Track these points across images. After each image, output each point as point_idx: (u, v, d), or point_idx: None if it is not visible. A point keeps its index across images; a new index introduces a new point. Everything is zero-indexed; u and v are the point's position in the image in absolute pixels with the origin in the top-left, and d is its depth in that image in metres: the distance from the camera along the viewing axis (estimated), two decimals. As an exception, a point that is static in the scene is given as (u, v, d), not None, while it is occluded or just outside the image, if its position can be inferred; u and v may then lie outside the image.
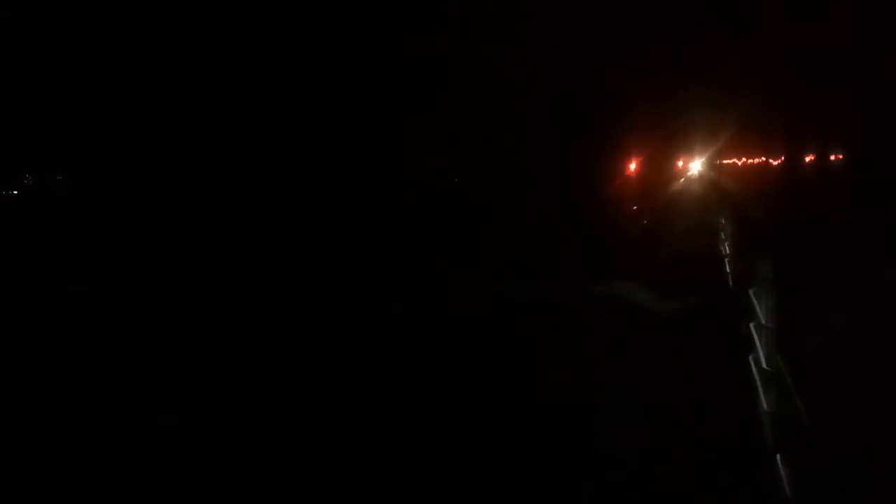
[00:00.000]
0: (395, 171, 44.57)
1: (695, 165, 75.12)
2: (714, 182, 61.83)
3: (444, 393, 8.74)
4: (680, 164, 75.83)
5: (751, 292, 8.55)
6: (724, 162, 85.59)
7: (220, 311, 14.06)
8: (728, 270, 15.55)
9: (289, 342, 11.49)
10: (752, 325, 8.03)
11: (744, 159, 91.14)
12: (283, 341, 11.55)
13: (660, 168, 65.00)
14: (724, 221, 21.23)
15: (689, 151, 73.16)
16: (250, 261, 20.64)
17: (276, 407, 8.52)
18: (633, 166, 58.01)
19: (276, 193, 37.68)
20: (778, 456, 5.73)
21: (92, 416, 8.39)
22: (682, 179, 68.43)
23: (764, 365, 6.82)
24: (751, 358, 7.68)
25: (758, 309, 7.53)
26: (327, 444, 7.41)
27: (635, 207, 35.48)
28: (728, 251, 17.29)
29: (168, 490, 6.60)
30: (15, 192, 46.50)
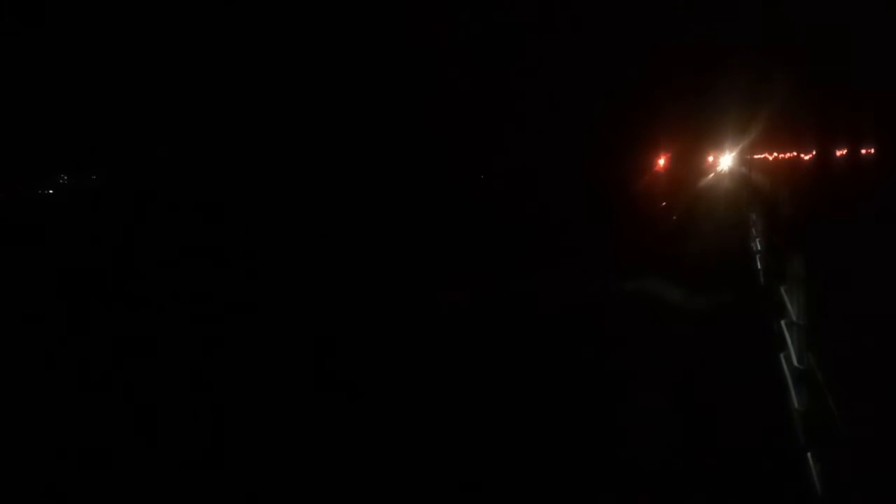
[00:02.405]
0: (422, 169, 44.73)
1: (725, 160, 74.20)
2: (745, 177, 61.16)
3: (470, 388, 8.80)
4: (710, 159, 74.97)
5: (782, 289, 8.49)
6: (755, 157, 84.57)
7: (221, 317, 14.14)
8: (759, 267, 15.39)
9: (307, 340, 11.61)
10: (783, 323, 7.97)
11: (775, 154, 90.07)
12: (297, 339, 11.66)
13: (690, 163, 64.47)
14: (755, 217, 21.02)
15: (719, 146, 72.28)
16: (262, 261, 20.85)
17: (294, 402, 8.64)
18: (662, 162, 57.54)
19: (302, 193, 38.18)
20: (809, 454, 5.71)
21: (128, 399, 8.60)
22: (713, 175, 67.69)
23: (795, 363, 6.77)
24: (782, 356, 7.64)
25: (789, 306, 7.47)
26: (359, 444, 7.49)
27: (665, 204, 35.21)
28: (759, 247, 17.11)
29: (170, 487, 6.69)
30: (50, 192, 47.38)
